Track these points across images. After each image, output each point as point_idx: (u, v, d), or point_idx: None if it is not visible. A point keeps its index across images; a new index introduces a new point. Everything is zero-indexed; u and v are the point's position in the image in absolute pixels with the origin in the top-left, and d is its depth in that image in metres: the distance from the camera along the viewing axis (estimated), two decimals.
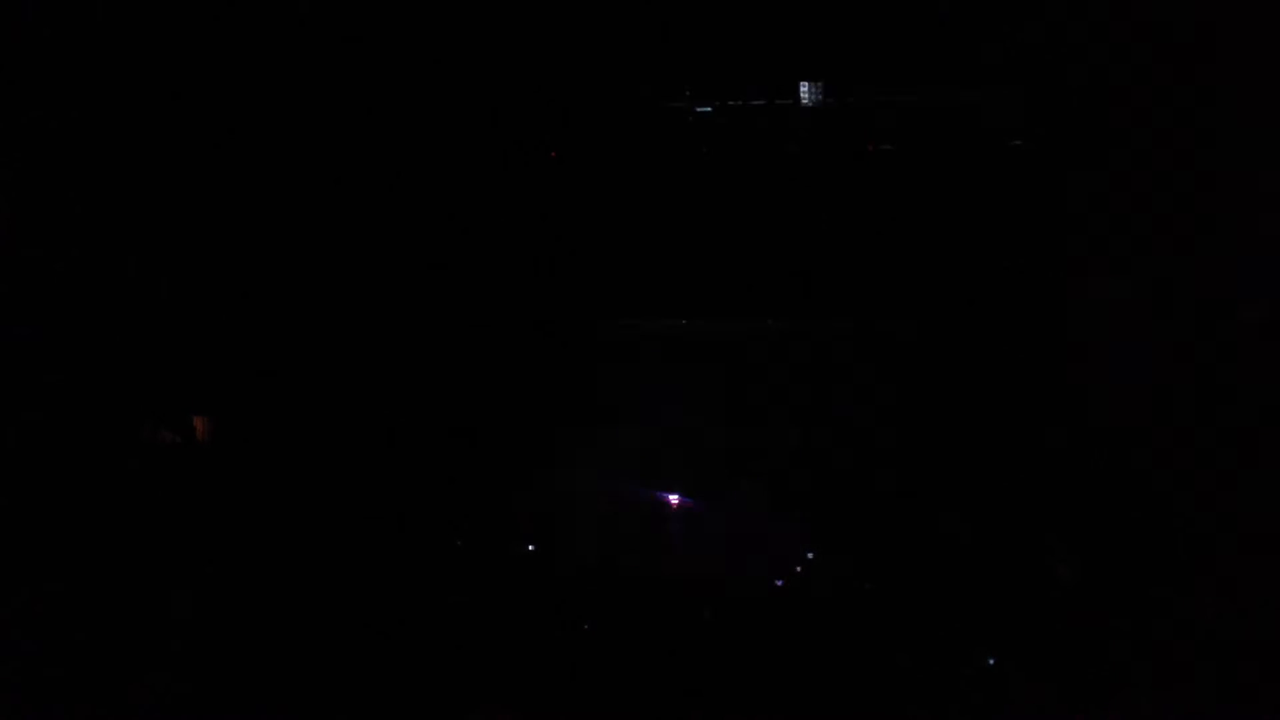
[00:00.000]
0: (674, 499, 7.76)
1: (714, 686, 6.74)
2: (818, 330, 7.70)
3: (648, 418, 7.72)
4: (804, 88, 7.47)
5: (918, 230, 7.63)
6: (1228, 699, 6.13)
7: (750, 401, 7.64)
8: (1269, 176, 6.61)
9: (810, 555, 7.39)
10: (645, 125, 7.81)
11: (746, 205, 7.78)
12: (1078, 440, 7.23)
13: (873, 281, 7.72)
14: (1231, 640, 6.28)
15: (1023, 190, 7.39)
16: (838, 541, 7.33)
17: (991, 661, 6.74)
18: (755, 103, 7.72)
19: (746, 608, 7.09)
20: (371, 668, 6.75)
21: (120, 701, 6.49)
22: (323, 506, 7.49)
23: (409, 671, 6.74)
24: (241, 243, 7.66)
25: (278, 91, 7.52)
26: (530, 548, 7.44)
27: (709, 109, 7.78)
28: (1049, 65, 7.13)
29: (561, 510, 7.55)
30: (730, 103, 7.67)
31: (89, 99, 7.23)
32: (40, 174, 7.24)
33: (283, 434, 7.76)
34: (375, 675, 6.72)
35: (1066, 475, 7.21)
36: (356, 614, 6.98)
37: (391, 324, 7.68)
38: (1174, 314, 6.92)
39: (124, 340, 7.43)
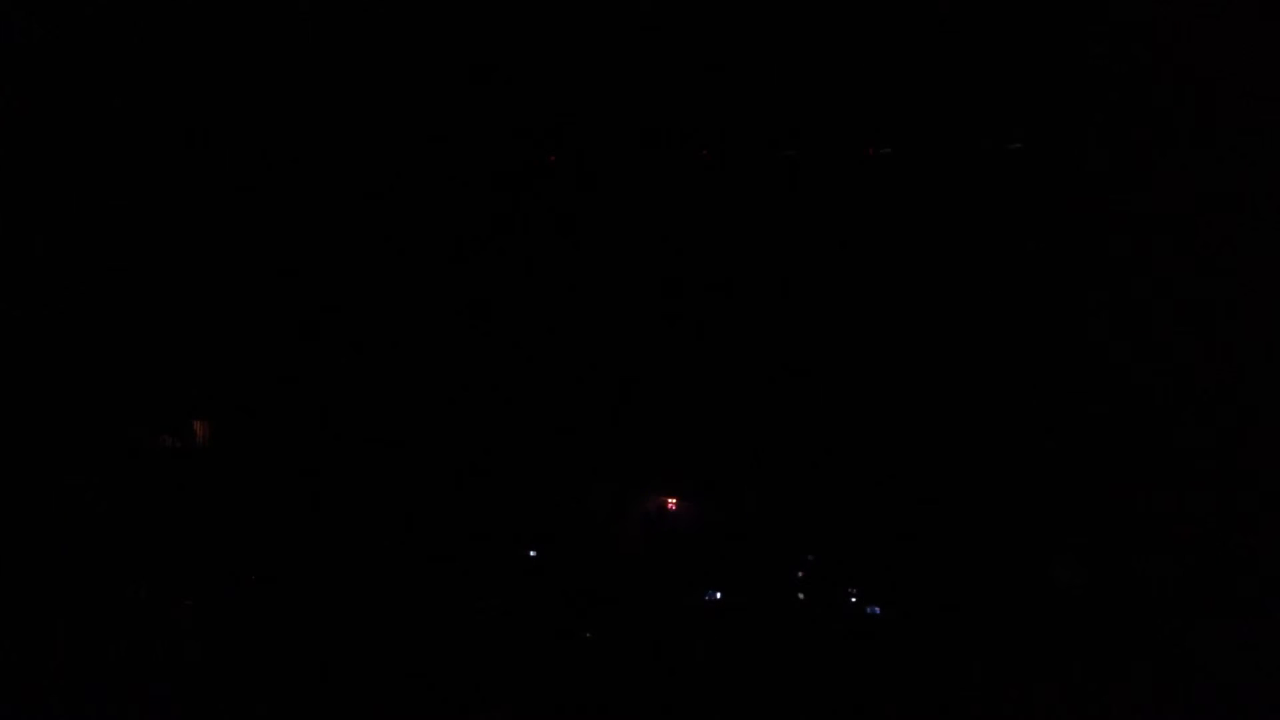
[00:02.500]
0: (673, 502, 7.76)
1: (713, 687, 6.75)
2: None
3: None
4: None
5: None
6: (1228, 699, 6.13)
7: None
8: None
9: (810, 558, 7.39)
10: None
11: None
12: (1080, 444, 7.24)
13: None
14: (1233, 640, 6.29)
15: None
16: (836, 544, 7.34)
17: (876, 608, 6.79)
18: None
19: (747, 610, 7.10)
20: (375, 668, 6.76)
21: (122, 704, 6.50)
22: (328, 509, 7.49)
23: (411, 672, 6.75)
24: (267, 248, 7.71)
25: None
26: (532, 553, 7.45)
27: None
28: None
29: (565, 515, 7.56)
30: None
31: (89, 100, 7.24)
32: (40, 174, 7.25)
33: (290, 437, 7.77)
34: (379, 675, 6.72)
35: (1070, 479, 7.21)
36: (360, 615, 6.99)
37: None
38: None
39: (124, 341, 7.44)
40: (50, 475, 7.17)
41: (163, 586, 7.07)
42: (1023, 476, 7.33)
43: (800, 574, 7.06)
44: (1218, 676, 6.25)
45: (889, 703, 6.66)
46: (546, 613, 7.20)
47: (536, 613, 7.21)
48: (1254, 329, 6.72)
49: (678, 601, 7.19)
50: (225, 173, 7.66)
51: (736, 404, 7.83)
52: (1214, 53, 6.64)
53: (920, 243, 7.79)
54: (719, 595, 7.08)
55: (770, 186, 7.89)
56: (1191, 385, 6.81)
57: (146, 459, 7.52)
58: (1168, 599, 6.61)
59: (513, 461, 7.78)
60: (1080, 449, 7.15)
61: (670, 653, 7.01)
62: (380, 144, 7.66)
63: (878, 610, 7.03)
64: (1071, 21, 6.88)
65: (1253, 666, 6.22)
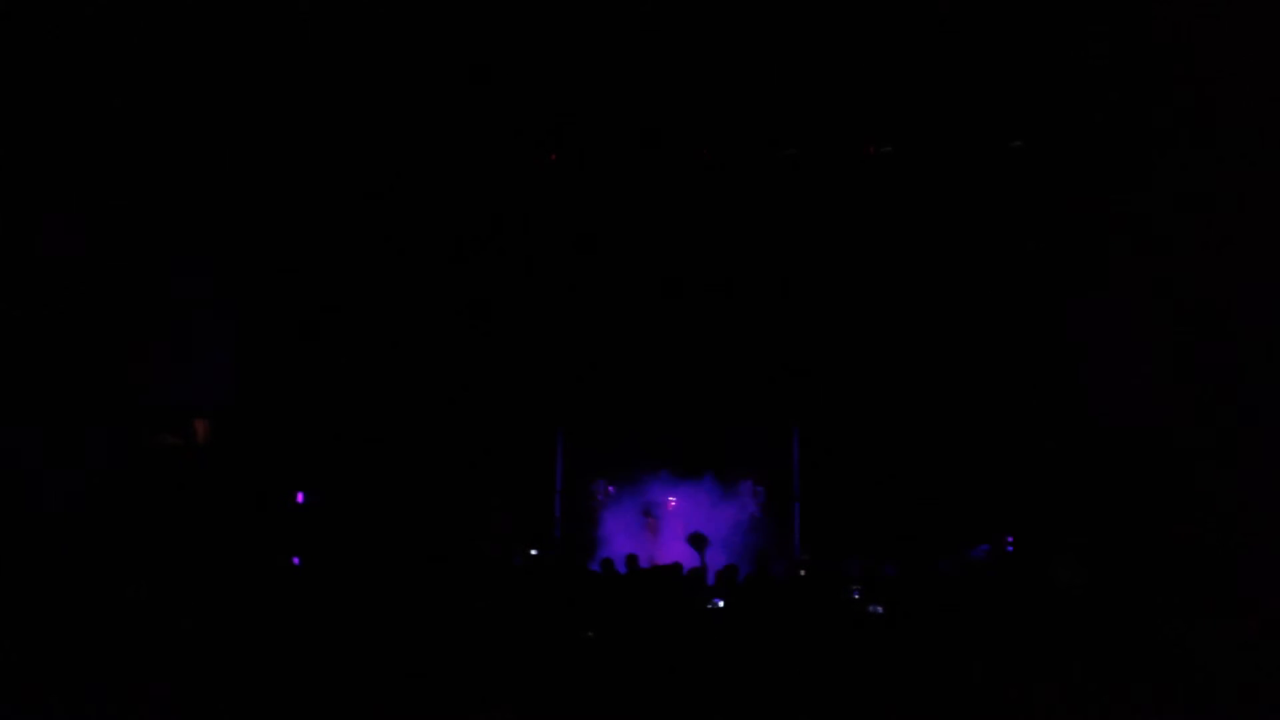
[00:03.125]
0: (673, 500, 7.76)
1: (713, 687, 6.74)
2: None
3: None
4: None
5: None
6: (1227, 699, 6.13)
7: None
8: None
9: (806, 557, 7.40)
10: None
11: None
12: (1081, 445, 7.24)
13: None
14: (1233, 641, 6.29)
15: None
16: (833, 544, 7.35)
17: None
18: None
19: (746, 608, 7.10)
20: (375, 668, 6.76)
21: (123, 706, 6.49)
22: (328, 509, 7.50)
23: (411, 672, 6.74)
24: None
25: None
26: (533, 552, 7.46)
27: None
28: None
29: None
30: None
31: (89, 99, 7.23)
32: (42, 174, 7.25)
33: (291, 437, 7.77)
34: (379, 675, 6.72)
35: (1070, 479, 7.22)
36: (361, 615, 6.99)
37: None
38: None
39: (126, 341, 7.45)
40: (50, 474, 7.18)
41: (163, 586, 7.07)
42: (1023, 477, 7.33)
43: (801, 574, 7.08)
44: (1218, 676, 6.25)
45: (889, 703, 6.65)
46: (546, 613, 7.21)
47: (536, 613, 7.21)
48: (1254, 329, 6.72)
49: (678, 603, 7.20)
50: (224, 172, 7.66)
51: (735, 403, 7.84)
52: (1214, 52, 6.64)
53: (920, 242, 7.80)
54: (720, 603, 7.09)
55: (770, 186, 7.90)
56: (1191, 385, 6.81)
57: (147, 459, 7.53)
58: (1168, 599, 6.61)
59: (513, 461, 7.78)
60: (1080, 450, 7.16)
61: (670, 653, 7.01)
62: (380, 144, 7.66)
63: (879, 610, 7.04)
64: (1071, 21, 6.87)
65: (1253, 666, 6.22)
